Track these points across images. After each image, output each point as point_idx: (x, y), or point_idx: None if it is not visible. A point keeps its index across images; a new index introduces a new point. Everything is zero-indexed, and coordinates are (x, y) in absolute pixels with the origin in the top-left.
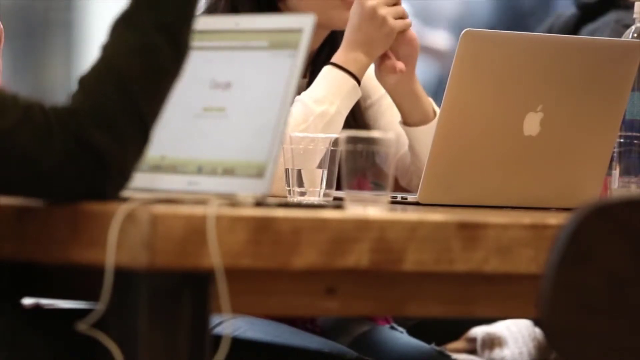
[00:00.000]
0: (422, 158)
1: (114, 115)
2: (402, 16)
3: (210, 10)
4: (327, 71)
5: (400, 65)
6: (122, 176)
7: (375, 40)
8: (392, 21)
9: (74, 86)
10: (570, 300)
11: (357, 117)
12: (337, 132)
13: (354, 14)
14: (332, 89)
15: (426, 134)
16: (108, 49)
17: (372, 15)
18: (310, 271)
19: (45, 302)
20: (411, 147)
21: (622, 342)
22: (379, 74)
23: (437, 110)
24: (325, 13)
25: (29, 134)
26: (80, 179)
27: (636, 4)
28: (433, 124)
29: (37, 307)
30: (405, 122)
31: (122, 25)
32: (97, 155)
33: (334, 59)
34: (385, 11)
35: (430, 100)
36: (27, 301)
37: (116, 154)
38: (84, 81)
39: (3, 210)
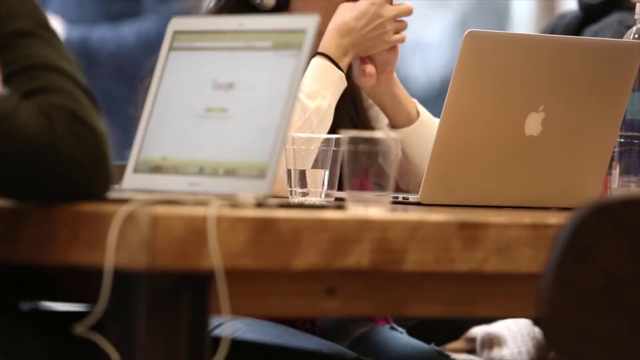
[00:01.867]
0: (411, 159)
1: (75, 95)
2: (401, 30)
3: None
4: (316, 63)
5: (369, 68)
6: (110, 146)
7: (367, 45)
8: (391, 36)
9: None
10: (569, 299)
11: (360, 115)
12: (329, 125)
13: (364, 11)
14: (323, 82)
15: (411, 134)
16: (23, 58)
17: (378, 25)
18: (311, 271)
19: (42, 304)
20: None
21: (621, 342)
22: (355, 76)
23: (422, 110)
24: (328, 20)
25: (27, 115)
26: (85, 156)
27: (637, 5)
28: (416, 124)
29: (34, 310)
30: (391, 125)
31: (18, 37)
32: (95, 131)
33: (323, 48)
34: (392, 26)
35: (414, 101)
36: (25, 304)
37: (99, 126)
38: (30, 88)
39: (0, 211)
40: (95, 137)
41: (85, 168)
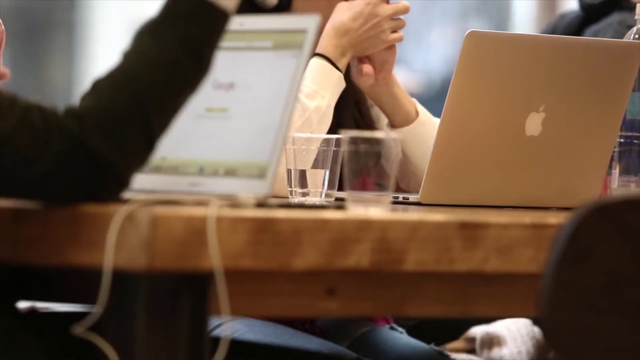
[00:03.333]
0: (410, 159)
1: (121, 122)
2: (398, 28)
3: None
4: (315, 63)
5: (367, 68)
6: (120, 183)
7: (365, 45)
8: (388, 35)
9: (75, 87)
10: (569, 299)
11: (364, 116)
12: (329, 124)
13: (360, 11)
14: (321, 82)
15: (410, 134)
16: (128, 57)
17: (375, 24)
18: (311, 272)
19: (41, 305)
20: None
21: (621, 341)
22: (354, 76)
23: (421, 110)
24: (328, 19)
25: (26, 137)
26: (77, 183)
27: (638, 5)
28: (415, 124)
29: (33, 311)
30: (390, 124)
31: (146, 35)
32: (96, 160)
33: (321, 49)
34: (389, 25)
35: (414, 101)
36: (23, 304)
37: (116, 160)
38: (98, 84)
39: (1, 211)
40: (95, 166)
41: (79, 196)
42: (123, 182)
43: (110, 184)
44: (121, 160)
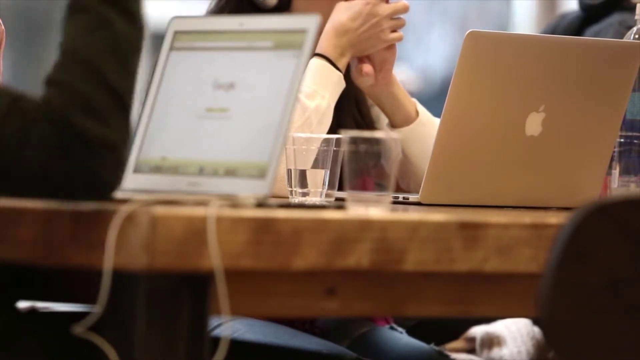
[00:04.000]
0: (410, 159)
1: (89, 95)
2: (398, 27)
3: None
4: (315, 63)
5: (366, 68)
6: (114, 154)
7: (364, 44)
8: (388, 35)
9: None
10: (569, 299)
11: (364, 116)
12: (329, 124)
13: (360, 11)
14: (321, 83)
15: (410, 134)
16: (64, 39)
17: (374, 24)
18: (311, 271)
19: (41, 305)
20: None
21: (621, 342)
22: (353, 75)
23: (421, 110)
24: (328, 19)
25: (18, 124)
26: (74, 166)
27: (638, 5)
28: (415, 124)
29: (33, 311)
30: (390, 124)
31: (70, 13)
32: (86, 140)
33: (321, 49)
34: (388, 25)
35: (414, 101)
36: (23, 304)
37: (101, 133)
38: (51, 77)
39: (0, 211)
40: (88, 152)
41: (74, 185)
42: (117, 155)
43: (105, 160)
44: (106, 133)
